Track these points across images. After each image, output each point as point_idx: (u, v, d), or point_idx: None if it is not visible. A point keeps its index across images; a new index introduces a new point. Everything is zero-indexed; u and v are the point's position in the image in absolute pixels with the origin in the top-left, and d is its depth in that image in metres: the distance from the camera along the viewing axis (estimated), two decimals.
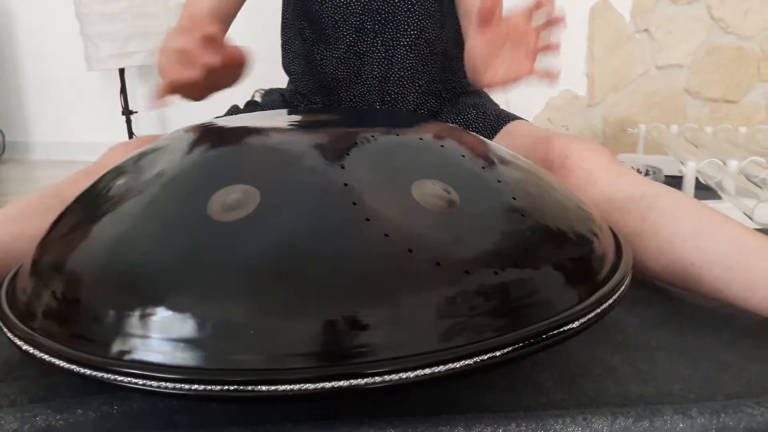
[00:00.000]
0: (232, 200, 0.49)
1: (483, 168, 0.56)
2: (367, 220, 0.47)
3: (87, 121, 2.37)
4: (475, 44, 0.76)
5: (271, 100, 1.13)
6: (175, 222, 0.49)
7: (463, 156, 0.57)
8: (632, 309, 0.70)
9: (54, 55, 2.35)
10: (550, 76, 0.74)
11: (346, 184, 0.50)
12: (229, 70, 0.70)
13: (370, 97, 1.05)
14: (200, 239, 0.46)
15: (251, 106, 1.12)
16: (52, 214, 0.63)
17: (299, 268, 0.44)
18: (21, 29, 2.39)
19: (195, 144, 0.60)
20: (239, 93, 1.14)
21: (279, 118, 0.73)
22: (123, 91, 2.12)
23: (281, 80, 1.18)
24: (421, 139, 0.59)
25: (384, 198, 0.49)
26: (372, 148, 0.55)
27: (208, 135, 0.62)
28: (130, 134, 2.15)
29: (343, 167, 0.52)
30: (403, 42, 1.02)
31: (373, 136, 0.57)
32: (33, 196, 0.82)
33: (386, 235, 0.46)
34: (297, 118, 0.74)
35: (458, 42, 1.07)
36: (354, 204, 0.48)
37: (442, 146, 0.58)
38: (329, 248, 0.45)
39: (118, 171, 0.60)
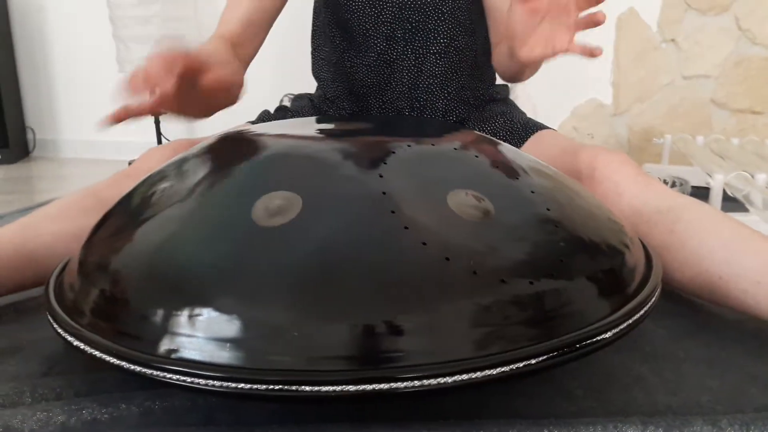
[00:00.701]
0: (276, 206, 0.50)
1: (517, 178, 0.57)
2: (406, 228, 0.48)
3: None
4: (515, 17, 0.74)
5: (300, 105, 1.15)
6: (221, 226, 0.51)
7: (497, 166, 0.58)
8: (660, 320, 0.70)
9: (86, 56, 2.40)
10: (591, 52, 0.72)
11: (384, 193, 0.51)
12: (216, 93, 0.70)
13: (399, 104, 1.06)
14: (246, 243, 0.48)
15: (281, 111, 1.14)
16: (92, 215, 0.65)
17: (341, 273, 0.45)
18: (53, 30, 2.44)
19: (236, 150, 0.62)
20: (269, 98, 1.16)
21: (314, 126, 0.75)
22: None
23: (309, 85, 1.19)
24: (455, 148, 0.60)
25: (421, 207, 0.50)
26: (408, 157, 0.57)
27: (247, 142, 0.64)
28: (158, 134, 2.19)
29: (381, 176, 0.53)
30: (433, 50, 1.04)
31: (408, 146, 0.59)
32: (72, 197, 0.84)
33: (424, 244, 0.47)
34: (332, 126, 0.76)
35: (487, 50, 1.08)
36: (392, 212, 0.49)
37: (476, 156, 0.59)
38: (369, 255, 0.46)
39: (161, 175, 0.62)
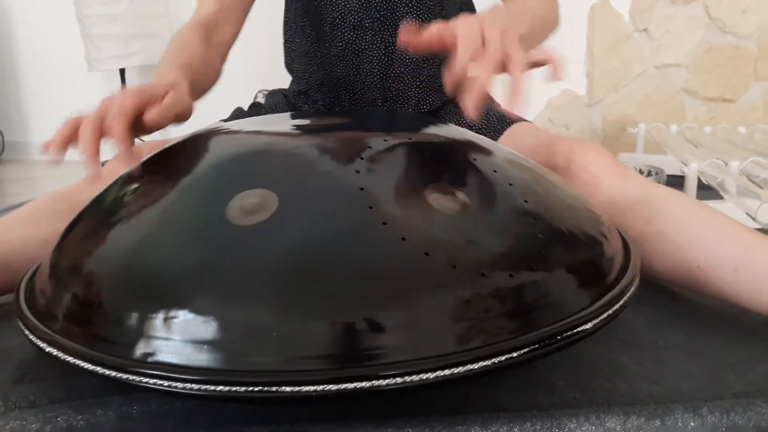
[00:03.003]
0: (251, 204, 0.49)
1: (494, 171, 0.57)
2: (384, 224, 0.48)
3: None
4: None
5: (274, 101, 1.14)
6: (196, 226, 0.50)
7: (474, 159, 0.58)
8: (638, 309, 0.71)
9: (54, 56, 2.35)
10: (554, 72, 0.64)
11: (362, 189, 0.50)
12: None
13: (371, 94, 1.05)
14: (221, 243, 0.47)
15: (255, 108, 1.12)
16: (62, 219, 0.64)
17: (320, 271, 0.44)
18: (20, 30, 2.39)
19: (209, 149, 0.61)
20: (243, 96, 1.15)
21: (288, 122, 0.74)
22: None
23: (284, 80, 1.18)
24: (432, 142, 0.60)
25: (399, 202, 0.50)
26: (384, 152, 0.56)
27: (220, 140, 0.63)
28: None
29: (357, 171, 0.53)
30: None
31: (384, 140, 0.58)
32: (42, 201, 0.82)
33: (403, 239, 0.47)
34: (307, 121, 0.75)
35: None
36: (370, 208, 0.49)
37: (453, 149, 0.59)
38: (349, 252, 0.46)
39: (132, 176, 0.61)
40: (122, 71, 2.09)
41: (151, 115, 0.63)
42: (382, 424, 0.47)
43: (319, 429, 0.47)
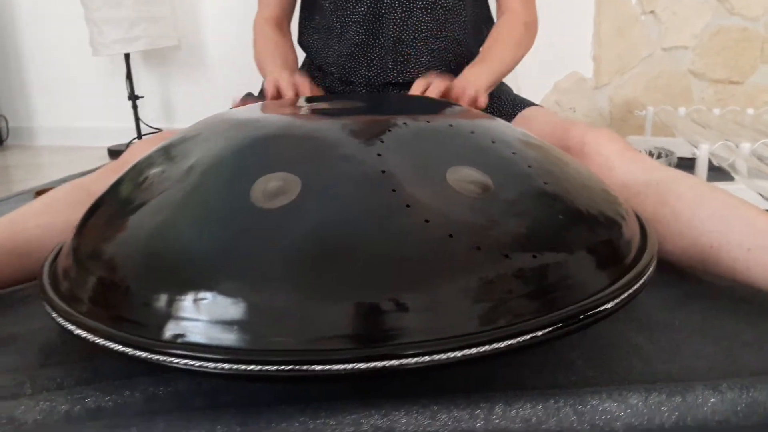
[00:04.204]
0: (275, 187, 0.50)
1: (513, 153, 0.57)
2: (407, 206, 0.48)
3: (92, 106, 2.37)
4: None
5: None
6: (221, 209, 0.50)
7: (493, 142, 0.58)
8: (651, 290, 0.71)
9: (58, 41, 2.34)
10: None
11: (383, 171, 0.51)
12: None
13: (384, 60, 1.06)
14: (247, 225, 0.48)
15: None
16: (80, 208, 0.65)
17: (348, 252, 0.45)
18: (24, 14, 2.38)
19: (228, 133, 0.61)
20: (254, 82, 1.15)
21: (305, 106, 0.74)
22: (129, 76, 2.12)
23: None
24: (451, 125, 0.60)
25: (421, 184, 0.50)
26: (405, 135, 0.57)
27: (239, 123, 0.63)
28: (137, 119, 2.15)
29: (379, 155, 0.53)
30: (420, 5, 1.05)
31: (405, 123, 0.58)
32: (60, 191, 0.84)
33: (427, 221, 0.47)
34: (323, 105, 0.75)
35: (476, 23, 1.09)
36: (393, 191, 0.49)
37: (472, 132, 0.59)
38: (374, 233, 0.46)
39: (151, 161, 0.61)
40: (127, 56, 2.08)
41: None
42: (407, 401, 0.48)
43: (345, 407, 0.48)
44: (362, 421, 0.47)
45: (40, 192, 1.24)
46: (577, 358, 0.57)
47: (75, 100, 2.39)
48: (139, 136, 2.18)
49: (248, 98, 1.06)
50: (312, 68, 1.16)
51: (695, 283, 0.75)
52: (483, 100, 0.89)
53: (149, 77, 2.29)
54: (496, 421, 0.48)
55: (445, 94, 0.88)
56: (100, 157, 2.13)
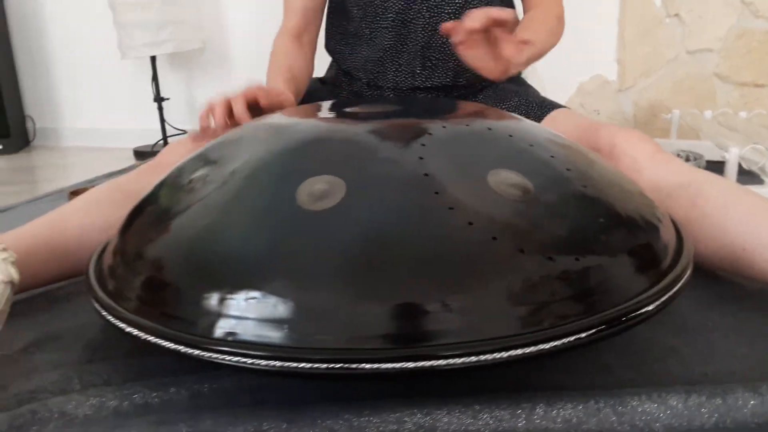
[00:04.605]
0: (320, 190, 0.51)
1: (552, 157, 0.58)
2: (451, 209, 0.49)
3: (118, 108, 2.40)
4: (465, 58, 0.86)
5: (311, 89, 1.15)
6: (267, 211, 0.51)
7: (531, 145, 0.59)
8: (685, 292, 0.72)
9: (84, 43, 2.38)
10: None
11: (426, 174, 0.52)
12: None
13: (412, 65, 1.07)
14: (294, 227, 0.49)
15: None
16: (118, 208, 0.67)
17: (394, 254, 0.46)
18: (51, 17, 2.42)
19: (269, 137, 0.63)
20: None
21: (342, 110, 0.75)
22: (155, 78, 2.15)
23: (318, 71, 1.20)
24: (489, 128, 0.61)
25: (463, 187, 0.51)
26: (445, 139, 0.58)
27: (279, 127, 0.65)
28: (162, 120, 2.18)
29: (421, 158, 0.54)
30: (447, 10, 1.05)
31: (444, 126, 0.59)
32: (98, 191, 0.86)
33: (470, 224, 0.48)
34: (360, 109, 0.76)
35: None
36: (436, 193, 0.50)
37: (510, 135, 0.60)
38: (418, 236, 0.47)
39: (195, 164, 0.63)
40: (153, 59, 2.11)
41: (263, 102, 0.85)
42: (449, 401, 0.49)
43: (389, 405, 0.49)
44: (405, 419, 0.48)
45: (75, 192, 1.26)
46: (613, 360, 0.57)
47: (101, 101, 2.43)
48: (164, 137, 2.20)
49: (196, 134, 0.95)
50: (339, 73, 1.17)
51: (725, 284, 0.75)
52: (526, 54, 0.85)
53: (174, 79, 2.31)
54: (537, 421, 0.48)
55: (500, 23, 0.81)
56: (126, 158, 2.16)
